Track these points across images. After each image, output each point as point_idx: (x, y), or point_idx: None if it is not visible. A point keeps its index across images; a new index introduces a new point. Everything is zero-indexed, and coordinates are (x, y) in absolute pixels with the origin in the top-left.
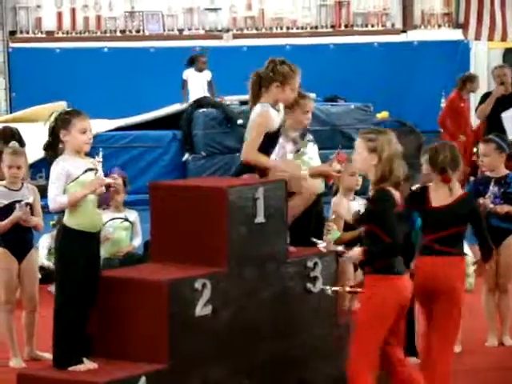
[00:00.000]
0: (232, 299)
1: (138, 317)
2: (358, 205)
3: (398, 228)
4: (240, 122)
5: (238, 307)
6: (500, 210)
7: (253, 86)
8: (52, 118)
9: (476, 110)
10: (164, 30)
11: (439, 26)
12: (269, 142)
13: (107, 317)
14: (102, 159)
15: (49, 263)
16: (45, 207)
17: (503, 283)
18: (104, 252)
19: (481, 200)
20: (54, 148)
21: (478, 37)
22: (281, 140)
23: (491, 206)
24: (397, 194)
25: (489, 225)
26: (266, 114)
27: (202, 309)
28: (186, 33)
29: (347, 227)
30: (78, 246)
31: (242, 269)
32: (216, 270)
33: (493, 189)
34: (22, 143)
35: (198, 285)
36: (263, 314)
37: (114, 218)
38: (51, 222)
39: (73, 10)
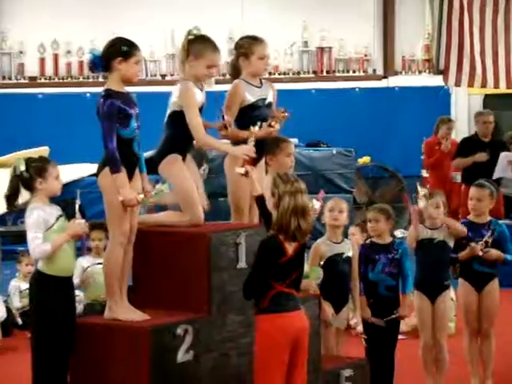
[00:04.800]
0: (214, 345)
1: (118, 363)
2: (344, 247)
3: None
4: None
5: (219, 353)
6: (488, 257)
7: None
8: (22, 167)
9: (455, 154)
10: (147, 76)
11: (420, 72)
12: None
13: (88, 364)
14: (79, 202)
15: (22, 304)
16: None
17: (486, 328)
18: (85, 297)
19: (472, 244)
20: (15, 198)
21: (457, 83)
22: None
23: (480, 253)
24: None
25: (472, 269)
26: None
27: (183, 355)
28: (168, 78)
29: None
30: (52, 290)
31: (224, 314)
32: (198, 315)
33: (488, 238)
34: None
35: (179, 331)
36: (245, 360)
37: (94, 264)
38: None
39: (55, 56)
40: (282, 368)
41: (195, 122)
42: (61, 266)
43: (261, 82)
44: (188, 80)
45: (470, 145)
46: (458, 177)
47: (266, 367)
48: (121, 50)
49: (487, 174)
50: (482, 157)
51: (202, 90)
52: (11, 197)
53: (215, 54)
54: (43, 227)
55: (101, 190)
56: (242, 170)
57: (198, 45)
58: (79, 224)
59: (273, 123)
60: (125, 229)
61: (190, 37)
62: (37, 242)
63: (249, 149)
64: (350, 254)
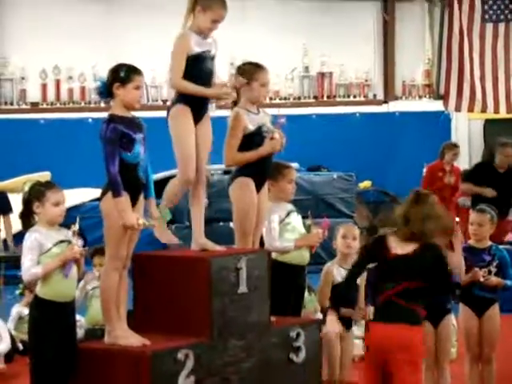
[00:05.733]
0: (215, 370)
1: None
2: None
3: None
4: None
5: (221, 378)
6: (489, 283)
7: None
8: (26, 189)
9: (465, 178)
10: (148, 101)
11: (420, 97)
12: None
13: None
14: (78, 229)
15: (16, 333)
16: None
17: (487, 353)
18: (86, 322)
19: (476, 269)
20: (28, 218)
21: (458, 108)
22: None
23: (481, 279)
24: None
25: (472, 294)
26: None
27: (184, 380)
28: (169, 103)
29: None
30: (50, 316)
31: (225, 339)
32: (199, 340)
33: (492, 268)
34: (10, 209)
35: (180, 355)
36: None
37: (94, 287)
38: (17, 291)
39: (57, 82)
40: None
41: (175, 69)
42: (58, 291)
43: (257, 109)
44: (189, 30)
45: (484, 172)
46: (467, 202)
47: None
48: (119, 75)
49: (497, 202)
50: (490, 192)
51: (205, 38)
52: (24, 216)
53: (223, 10)
54: (38, 251)
55: (102, 213)
56: None
57: None
58: (71, 249)
59: (274, 135)
60: (121, 254)
61: None
62: (27, 265)
63: (225, 91)
64: (358, 280)
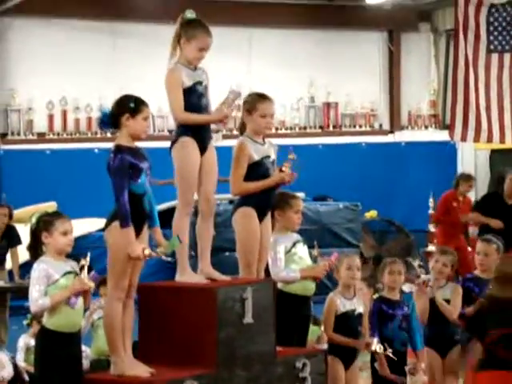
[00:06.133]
0: None
1: None
2: (356, 303)
3: None
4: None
5: None
6: None
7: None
8: (34, 220)
9: (473, 208)
10: (154, 131)
11: (426, 127)
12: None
13: None
14: (88, 262)
15: (25, 365)
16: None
17: None
18: (92, 352)
19: (481, 299)
20: (36, 249)
21: (463, 138)
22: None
23: None
24: None
25: None
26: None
27: None
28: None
29: (338, 323)
30: (57, 346)
31: (231, 370)
32: (204, 370)
33: None
34: (19, 241)
35: None
36: None
37: (100, 317)
38: (25, 322)
39: (64, 112)
40: None
41: (174, 103)
42: (65, 321)
43: (263, 140)
44: (178, 63)
45: (492, 203)
46: (476, 232)
47: None
48: (128, 106)
49: (505, 233)
50: (496, 224)
51: (195, 70)
52: (32, 248)
53: (208, 37)
54: (45, 281)
55: (106, 243)
56: None
57: (190, 28)
58: (80, 281)
59: (283, 168)
60: (124, 284)
61: (183, 20)
62: (35, 296)
63: (224, 114)
64: (361, 310)
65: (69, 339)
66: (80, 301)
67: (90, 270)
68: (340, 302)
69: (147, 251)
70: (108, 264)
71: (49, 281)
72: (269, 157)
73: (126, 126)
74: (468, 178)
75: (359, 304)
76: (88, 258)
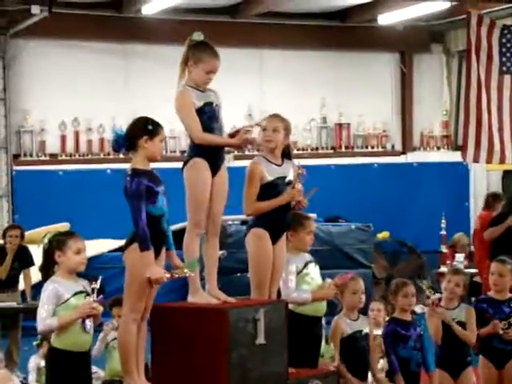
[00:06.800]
0: None
1: None
2: (362, 323)
3: None
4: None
5: None
6: (508, 338)
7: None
8: (46, 240)
9: (488, 226)
10: (166, 152)
11: (438, 148)
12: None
13: None
14: (98, 285)
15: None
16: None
17: None
18: (106, 373)
19: (495, 321)
20: (47, 270)
21: (476, 159)
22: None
23: (501, 331)
24: None
25: (492, 346)
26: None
27: None
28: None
29: (347, 345)
30: (67, 366)
31: None
32: None
33: None
34: (32, 262)
35: None
36: None
37: (114, 339)
38: (35, 343)
39: (76, 133)
40: None
41: (191, 124)
42: (75, 341)
43: (282, 160)
44: (186, 85)
45: (504, 217)
46: None
47: None
48: (147, 128)
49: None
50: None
51: (204, 91)
52: (44, 269)
53: (215, 60)
54: (55, 301)
55: (125, 264)
56: None
57: (197, 50)
58: (89, 304)
59: (295, 185)
60: (140, 306)
61: (191, 42)
62: (43, 316)
63: (243, 136)
64: (367, 330)
65: (79, 359)
66: (91, 322)
67: (101, 292)
68: (346, 325)
69: (168, 274)
70: (125, 286)
71: (59, 300)
72: (284, 178)
73: (143, 149)
74: (501, 197)
75: (365, 324)
76: (99, 281)
